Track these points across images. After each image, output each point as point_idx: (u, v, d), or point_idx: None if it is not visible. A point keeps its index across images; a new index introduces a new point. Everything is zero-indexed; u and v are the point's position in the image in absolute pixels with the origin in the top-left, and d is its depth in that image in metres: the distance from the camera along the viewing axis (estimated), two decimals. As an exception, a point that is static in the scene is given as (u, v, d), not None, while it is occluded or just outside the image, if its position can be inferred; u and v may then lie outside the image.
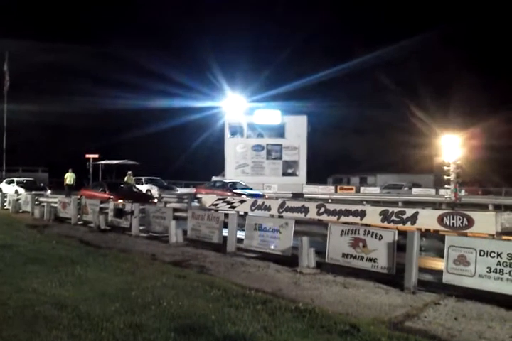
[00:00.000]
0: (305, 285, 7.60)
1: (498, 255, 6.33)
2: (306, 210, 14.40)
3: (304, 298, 6.75)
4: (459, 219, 11.02)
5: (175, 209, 13.71)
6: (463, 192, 24.52)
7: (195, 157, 48.48)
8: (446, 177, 21.53)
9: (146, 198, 20.02)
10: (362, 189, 39.42)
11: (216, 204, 17.37)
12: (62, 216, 17.16)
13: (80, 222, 16.22)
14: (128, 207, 14.09)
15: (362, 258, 7.96)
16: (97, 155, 35.16)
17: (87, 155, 34.83)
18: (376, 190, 38.28)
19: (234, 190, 24.85)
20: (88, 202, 16.31)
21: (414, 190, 35.58)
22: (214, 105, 41.72)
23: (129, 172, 27.53)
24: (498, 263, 6.34)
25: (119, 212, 14.50)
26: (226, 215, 11.14)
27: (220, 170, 40.51)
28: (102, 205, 15.56)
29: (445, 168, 21.91)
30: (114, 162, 34.44)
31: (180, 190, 30.87)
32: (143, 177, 30.39)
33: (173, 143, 50.73)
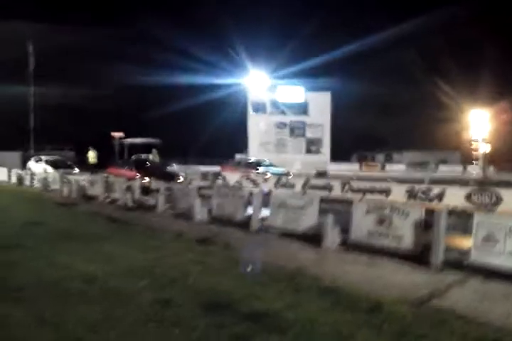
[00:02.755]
0: (329, 264, 7.61)
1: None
2: (330, 188, 14.35)
3: (328, 276, 6.75)
4: (488, 196, 10.81)
5: (200, 188, 13.83)
6: (491, 169, 23.90)
7: (219, 135, 48.53)
8: (474, 154, 21.03)
9: (171, 177, 20.22)
10: (387, 166, 38.95)
11: (240, 182, 17.45)
12: (90, 193, 17.51)
13: (107, 200, 16.54)
14: (154, 185, 14.27)
15: (387, 236, 7.91)
16: (122, 134, 35.53)
17: (113, 134, 35.22)
18: (402, 167, 37.78)
19: (258, 168, 24.95)
20: (115, 180, 16.59)
21: (441, 168, 35.00)
22: (237, 82, 41.40)
23: (154, 151, 27.74)
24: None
25: (146, 190, 14.71)
26: (250, 193, 11.19)
27: (243, 147, 40.50)
28: (128, 183, 15.81)
29: (473, 143, 21.38)
30: (138, 140, 34.76)
31: (205, 169, 31.02)
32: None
33: (198, 121, 50.86)
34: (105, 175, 19.14)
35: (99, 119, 46.30)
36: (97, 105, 46.98)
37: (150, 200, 14.31)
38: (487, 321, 5.05)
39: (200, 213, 11.73)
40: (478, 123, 24.48)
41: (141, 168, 20.37)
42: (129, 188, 15.46)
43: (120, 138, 35.36)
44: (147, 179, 16.90)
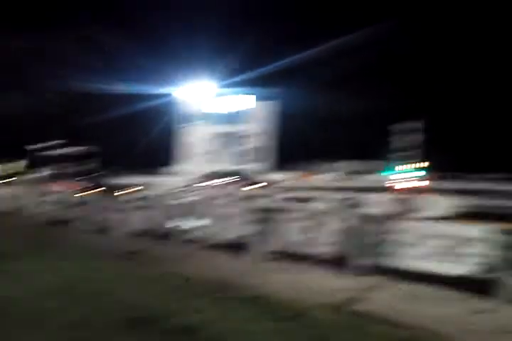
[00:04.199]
0: (256, 273, 7.66)
1: (435, 238, 6.60)
2: (262, 197, 14.47)
3: (254, 285, 6.80)
4: (406, 203, 11.38)
5: (127, 200, 13.49)
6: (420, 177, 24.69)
7: (155, 144, 47.43)
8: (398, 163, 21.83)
9: (112, 188, 18.77)
10: (325, 175, 39.56)
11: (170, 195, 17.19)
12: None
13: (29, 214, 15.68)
14: (71, 198, 13.73)
15: (313, 244, 8.10)
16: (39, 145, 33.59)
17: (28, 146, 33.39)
18: (338, 175, 38.49)
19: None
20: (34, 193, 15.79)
21: (369, 177, 36.00)
22: (175, 90, 40.70)
23: (92, 161, 26.51)
24: (439, 246, 6.61)
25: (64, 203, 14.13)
26: (179, 205, 11.07)
27: (177, 158, 39.87)
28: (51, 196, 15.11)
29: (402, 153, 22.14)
30: (66, 150, 32.81)
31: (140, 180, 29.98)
32: None
33: (133, 130, 49.42)
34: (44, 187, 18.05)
35: (25, 127, 43.79)
36: (25, 111, 44.43)
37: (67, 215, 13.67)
38: (402, 321, 5.29)
39: (122, 226, 11.41)
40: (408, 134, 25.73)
41: (85, 179, 19.25)
42: (52, 201, 14.79)
43: (36, 150, 33.38)
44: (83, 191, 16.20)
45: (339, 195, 12.45)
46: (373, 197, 12.40)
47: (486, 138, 30.11)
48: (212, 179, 23.42)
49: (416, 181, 14.81)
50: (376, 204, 11.44)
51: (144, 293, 6.20)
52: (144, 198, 16.50)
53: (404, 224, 7.23)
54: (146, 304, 5.72)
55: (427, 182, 14.47)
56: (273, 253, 8.66)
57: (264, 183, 26.91)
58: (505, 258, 6.14)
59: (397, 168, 16.03)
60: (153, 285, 6.63)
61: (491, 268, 6.20)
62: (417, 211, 11.05)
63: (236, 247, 9.19)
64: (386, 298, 6.23)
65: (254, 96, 39.23)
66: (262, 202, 14.09)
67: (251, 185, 23.50)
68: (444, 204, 11.17)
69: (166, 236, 10.61)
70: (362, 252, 7.34)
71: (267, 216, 10.74)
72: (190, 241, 10.12)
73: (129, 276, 7.16)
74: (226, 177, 24.47)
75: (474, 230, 6.49)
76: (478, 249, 6.34)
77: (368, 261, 7.35)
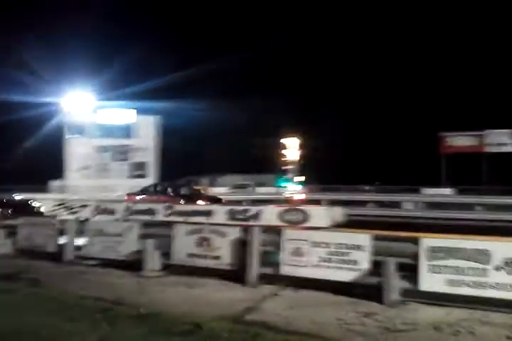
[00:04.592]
0: (150, 289, 7.41)
1: (327, 246, 6.93)
2: (153, 212, 14.12)
3: (148, 302, 6.56)
4: (297, 214, 11.83)
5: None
6: (302, 189, 26.05)
7: (32, 157, 44.21)
8: (286, 176, 22.91)
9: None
10: (211, 189, 39.88)
11: (55, 210, 16.09)
12: None
13: None
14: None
15: (208, 256, 8.05)
16: None
17: None
18: (224, 189, 39.04)
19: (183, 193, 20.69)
20: None
21: (259, 189, 37.20)
22: (55, 101, 38.41)
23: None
24: (328, 253, 6.93)
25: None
26: (63, 222, 10.37)
27: (60, 172, 37.55)
28: None
29: (285, 167, 23.32)
30: None
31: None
32: None
33: (7, 142, 45.53)
34: None
35: None
36: None
37: None
38: (295, 328, 5.44)
39: (2, 245, 10.42)
40: (290, 149, 26.90)
41: None
42: None
43: None
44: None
45: (235, 207, 12.60)
46: (268, 208, 12.73)
47: (357, 153, 32.53)
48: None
49: (300, 193, 15.60)
50: (270, 215, 11.77)
51: (23, 318, 5.65)
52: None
53: (299, 233, 7.48)
54: (31, 329, 5.22)
55: (308, 194, 15.27)
56: (168, 267, 8.44)
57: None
58: (389, 263, 6.58)
59: (286, 180, 16.71)
60: (38, 306, 6.10)
61: (377, 274, 6.62)
62: (307, 221, 11.55)
63: (129, 263, 8.81)
64: (280, 306, 6.36)
65: (135, 111, 38.45)
66: (156, 216, 13.80)
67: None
68: (333, 214, 11.78)
69: (55, 254, 9.85)
70: (257, 262, 7.43)
71: (160, 230, 10.49)
72: (82, 258, 9.51)
73: (7, 300, 6.50)
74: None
75: (362, 237, 6.90)
76: (359, 255, 6.75)
77: (263, 271, 7.45)
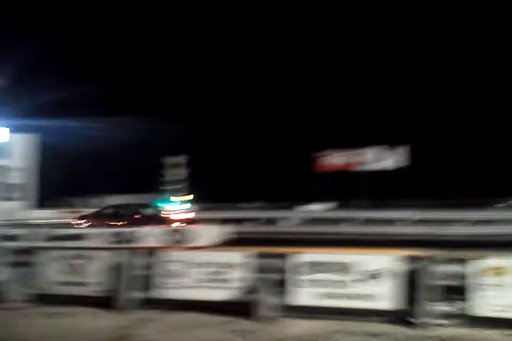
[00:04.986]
0: (12, 322, 6.78)
1: (201, 266, 6.95)
2: (16, 238, 12.97)
3: (9, 336, 6.00)
4: (175, 234, 11.69)
5: None
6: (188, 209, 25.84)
7: None
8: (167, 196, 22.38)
9: None
10: (91, 211, 37.85)
11: None
12: None
13: None
14: None
15: (77, 283, 7.60)
16: None
17: None
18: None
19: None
20: None
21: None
22: None
23: None
24: (202, 273, 6.94)
25: None
26: None
27: None
28: None
29: (169, 186, 22.89)
30: None
31: None
32: None
33: None
34: None
35: None
36: None
37: None
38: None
39: None
40: (176, 168, 26.50)
41: None
42: None
43: None
44: None
45: (109, 229, 12.09)
46: (145, 229, 12.40)
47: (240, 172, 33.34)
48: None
49: (185, 213, 15.50)
50: (147, 237, 11.48)
51: None
52: None
53: (173, 254, 7.39)
54: None
55: (193, 214, 15.26)
56: (35, 297, 7.80)
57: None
58: (261, 280, 6.77)
59: (169, 200, 16.52)
60: None
61: (251, 291, 6.77)
62: (187, 241, 11.45)
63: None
64: (153, 332, 6.21)
65: (7, 129, 35.54)
66: (21, 242, 12.70)
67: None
68: (213, 233, 11.83)
69: None
70: (130, 286, 7.19)
71: (27, 257, 9.71)
72: None
73: None
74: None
75: (235, 256, 7.02)
76: (237, 273, 6.87)
77: (136, 295, 7.22)
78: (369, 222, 18.84)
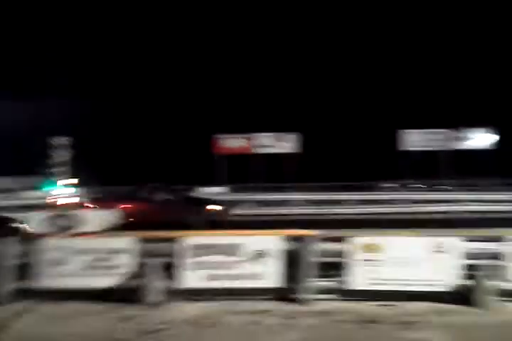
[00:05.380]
0: None
1: (84, 253, 6.65)
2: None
3: None
4: (64, 220, 11.08)
5: None
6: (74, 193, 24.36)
7: None
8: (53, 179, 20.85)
9: None
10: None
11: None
12: None
13: None
14: None
15: None
16: None
17: None
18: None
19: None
20: None
21: (27, 193, 33.37)
22: None
23: None
24: (89, 260, 6.64)
25: None
26: None
27: None
28: None
29: (55, 169, 21.35)
30: None
31: None
32: None
33: None
34: None
35: None
36: None
37: None
38: None
39: None
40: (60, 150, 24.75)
41: None
42: None
43: None
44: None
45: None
46: (30, 215, 11.53)
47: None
48: None
49: (70, 197, 14.67)
50: (32, 223, 10.71)
51: None
52: None
53: (53, 242, 6.96)
54: None
55: (78, 198, 14.45)
56: None
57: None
58: (147, 265, 6.63)
59: (54, 184, 15.49)
60: None
61: (137, 276, 6.61)
62: (73, 227, 10.89)
63: None
64: (34, 322, 5.87)
65: None
66: None
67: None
68: (100, 218, 11.37)
69: None
70: (4, 277, 6.66)
71: None
72: None
73: None
74: None
75: (120, 241, 6.80)
76: (123, 259, 6.66)
77: (12, 286, 6.71)
78: (262, 203, 19.27)
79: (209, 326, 5.82)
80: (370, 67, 35.71)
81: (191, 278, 6.61)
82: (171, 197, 14.74)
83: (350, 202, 18.61)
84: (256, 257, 6.60)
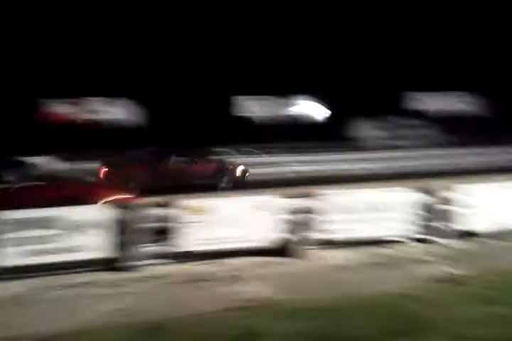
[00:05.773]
0: None
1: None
2: None
3: None
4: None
5: None
6: None
7: None
8: None
9: None
10: None
11: None
12: None
13: None
14: None
15: None
16: None
17: None
18: None
19: None
20: None
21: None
22: None
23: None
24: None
25: None
26: None
27: None
28: None
29: None
30: None
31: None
32: None
33: None
34: None
35: None
36: None
37: None
38: None
39: None
40: None
41: None
42: None
43: None
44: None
45: None
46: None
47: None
48: None
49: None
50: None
51: None
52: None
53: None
54: None
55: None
56: None
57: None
58: None
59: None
60: None
61: None
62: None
63: None
64: None
65: None
66: None
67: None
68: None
69: None
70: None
71: None
72: None
73: None
74: None
75: None
76: None
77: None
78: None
79: (32, 304, 5.51)
80: (205, 34, 35.55)
81: (10, 255, 6.11)
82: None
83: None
84: (80, 228, 6.33)
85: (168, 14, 35.79)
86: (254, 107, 25.15)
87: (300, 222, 7.15)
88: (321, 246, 7.35)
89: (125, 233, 6.52)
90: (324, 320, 4.75)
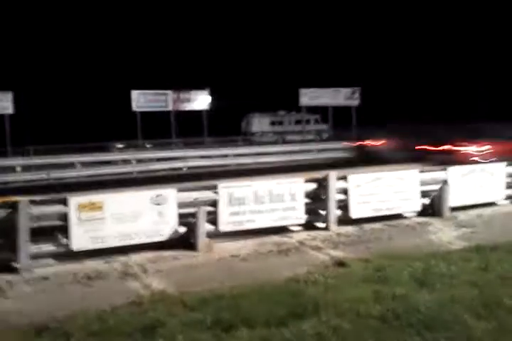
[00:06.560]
0: None
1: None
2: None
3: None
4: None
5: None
6: None
7: None
8: None
9: None
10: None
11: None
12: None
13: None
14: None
15: None
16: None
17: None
18: None
19: None
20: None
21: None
22: None
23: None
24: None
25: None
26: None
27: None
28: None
29: None
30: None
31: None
32: None
33: None
34: None
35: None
36: None
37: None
38: None
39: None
40: None
41: None
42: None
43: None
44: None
45: None
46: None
47: None
48: None
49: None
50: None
51: None
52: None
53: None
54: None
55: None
56: None
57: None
58: None
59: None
60: None
61: None
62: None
63: None
64: None
65: None
66: None
67: None
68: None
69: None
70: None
71: None
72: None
73: None
74: None
75: None
76: None
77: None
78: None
79: None
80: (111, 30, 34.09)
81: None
82: None
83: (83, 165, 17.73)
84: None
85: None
86: (150, 102, 24.55)
87: (197, 214, 7.12)
88: (218, 238, 7.41)
89: (13, 233, 6.07)
90: (221, 307, 4.81)
